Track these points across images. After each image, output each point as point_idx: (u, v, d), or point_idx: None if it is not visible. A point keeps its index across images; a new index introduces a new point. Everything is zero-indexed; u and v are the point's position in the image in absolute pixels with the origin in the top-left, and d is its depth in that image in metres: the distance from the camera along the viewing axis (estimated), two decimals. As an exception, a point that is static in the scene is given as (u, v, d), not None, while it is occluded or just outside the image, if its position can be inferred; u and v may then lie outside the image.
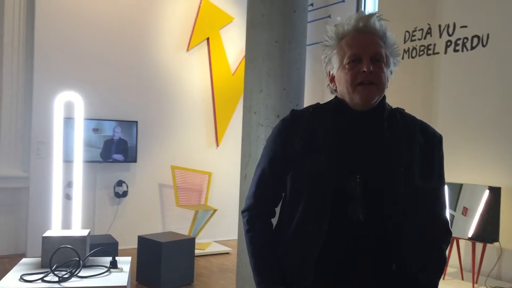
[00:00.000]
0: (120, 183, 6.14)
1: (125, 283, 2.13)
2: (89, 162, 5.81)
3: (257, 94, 3.55)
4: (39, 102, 5.54)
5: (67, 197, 5.54)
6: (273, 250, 1.51)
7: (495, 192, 4.73)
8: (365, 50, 1.40)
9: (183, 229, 6.19)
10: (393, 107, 1.52)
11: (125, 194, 6.16)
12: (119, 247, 4.82)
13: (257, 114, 3.55)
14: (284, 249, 1.49)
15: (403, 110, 1.53)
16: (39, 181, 5.43)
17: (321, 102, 1.56)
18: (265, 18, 3.50)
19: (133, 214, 6.25)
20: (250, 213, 1.56)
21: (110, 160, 6.00)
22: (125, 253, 4.57)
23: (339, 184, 1.38)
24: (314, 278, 1.39)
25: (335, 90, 1.50)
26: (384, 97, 1.48)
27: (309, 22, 6.43)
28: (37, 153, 5.60)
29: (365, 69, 1.38)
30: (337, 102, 1.49)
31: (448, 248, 4.88)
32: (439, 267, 1.47)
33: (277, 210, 1.59)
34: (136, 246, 4.87)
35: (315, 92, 6.75)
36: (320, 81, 6.88)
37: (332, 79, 1.50)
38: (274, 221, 1.59)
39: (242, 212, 1.59)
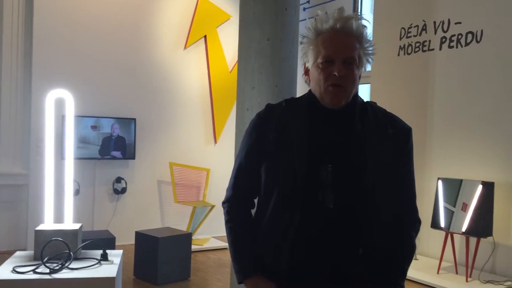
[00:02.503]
0: (118, 179, 6.21)
1: (114, 275, 2.19)
2: (88, 159, 5.89)
3: (250, 91, 3.60)
4: (37, 100, 5.61)
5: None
6: (252, 240, 1.57)
7: (489, 187, 4.77)
8: (339, 53, 1.43)
9: (182, 225, 6.26)
10: (364, 101, 1.57)
11: (123, 190, 6.23)
12: (118, 243, 4.87)
13: (250, 110, 3.60)
14: (260, 238, 1.55)
15: (375, 103, 1.58)
16: (38, 178, 5.50)
17: None
18: (257, 16, 3.55)
19: (131, 211, 6.32)
20: (229, 204, 1.63)
21: (109, 157, 6.07)
22: (123, 249, 4.62)
23: (310, 173, 1.44)
24: (289, 264, 1.46)
25: (308, 81, 1.56)
26: (356, 93, 1.53)
27: (305, 19, 6.48)
28: (36, 151, 5.67)
29: (336, 73, 1.43)
30: (310, 97, 1.55)
31: (443, 241, 4.94)
32: (408, 254, 1.53)
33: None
34: (134, 242, 4.95)
35: (307, 89, 6.78)
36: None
37: (306, 71, 1.56)
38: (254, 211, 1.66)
39: (223, 203, 1.65)
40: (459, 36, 5.48)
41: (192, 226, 6.17)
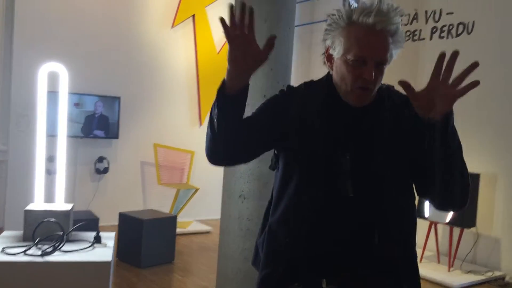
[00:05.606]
0: (101, 159, 6.07)
1: (109, 259, 2.11)
2: (70, 137, 5.71)
3: (244, 73, 3.53)
4: (19, 74, 5.41)
5: (48, 172, 5.45)
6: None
7: (474, 179, 4.80)
8: (373, 54, 1.36)
9: (164, 208, 6.15)
10: (384, 87, 1.52)
11: (106, 170, 6.10)
12: (99, 224, 4.78)
13: (244, 93, 3.53)
14: (276, 227, 1.50)
15: (393, 87, 1.54)
16: (18, 155, 5.33)
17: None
18: (255, -4, 3.45)
19: (113, 191, 6.19)
20: None
21: (91, 135, 5.92)
22: (106, 230, 4.52)
23: (329, 162, 1.41)
24: (305, 252, 1.41)
25: (330, 68, 1.49)
26: None
27: (298, 2, 6.37)
28: (17, 126, 5.48)
29: (367, 77, 1.36)
30: (329, 84, 1.48)
31: (427, 231, 4.98)
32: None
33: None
34: (116, 223, 4.84)
35: (301, 72, 6.72)
36: (306, 62, 6.86)
37: (329, 57, 1.47)
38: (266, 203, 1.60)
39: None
40: (450, 27, 5.47)
41: (175, 209, 6.09)
